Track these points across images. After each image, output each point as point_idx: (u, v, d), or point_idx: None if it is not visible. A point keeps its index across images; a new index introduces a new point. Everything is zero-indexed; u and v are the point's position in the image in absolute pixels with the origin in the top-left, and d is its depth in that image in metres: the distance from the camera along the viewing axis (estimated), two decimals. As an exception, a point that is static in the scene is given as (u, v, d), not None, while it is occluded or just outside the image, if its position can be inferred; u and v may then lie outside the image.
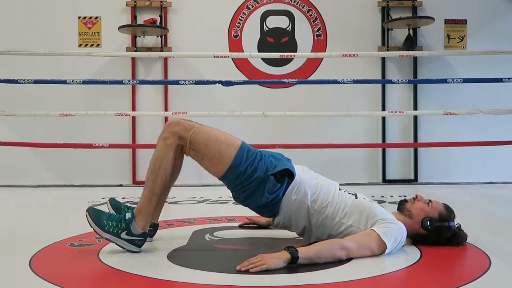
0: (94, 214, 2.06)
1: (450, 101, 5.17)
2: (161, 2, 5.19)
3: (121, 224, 2.06)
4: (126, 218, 2.08)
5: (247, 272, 1.84)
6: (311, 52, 5.30)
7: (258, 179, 2.14)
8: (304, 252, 1.94)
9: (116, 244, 2.09)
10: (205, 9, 5.30)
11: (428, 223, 2.20)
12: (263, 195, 2.16)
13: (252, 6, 5.34)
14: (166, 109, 5.19)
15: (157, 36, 5.21)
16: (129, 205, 2.47)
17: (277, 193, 2.17)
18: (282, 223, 2.26)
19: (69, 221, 3.06)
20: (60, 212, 3.56)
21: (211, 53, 4.65)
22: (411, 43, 5.11)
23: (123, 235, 2.07)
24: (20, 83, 4.39)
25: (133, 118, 5.20)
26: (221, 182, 2.25)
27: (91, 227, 2.05)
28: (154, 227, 2.33)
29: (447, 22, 5.33)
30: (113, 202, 2.45)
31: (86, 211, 2.08)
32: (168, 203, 3.53)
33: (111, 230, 2.05)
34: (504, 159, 5.22)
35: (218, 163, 2.15)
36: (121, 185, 5.15)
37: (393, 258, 2.06)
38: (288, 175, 2.18)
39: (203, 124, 2.21)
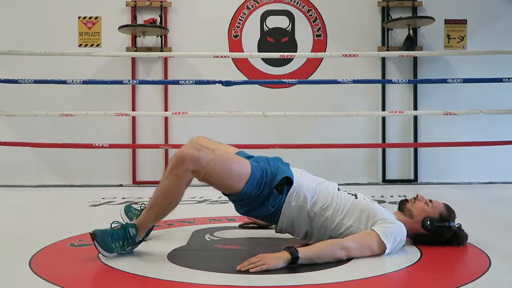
0: (101, 241, 2.02)
1: (450, 101, 5.16)
2: (161, 2, 5.19)
3: (128, 242, 2.08)
4: (131, 234, 2.08)
5: (247, 272, 1.84)
6: (311, 52, 5.30)
7: (263, 197, 2.16)
8: (304, 252, 1.94)
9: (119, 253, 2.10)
10: (205, 9, 5.30)
11: (429, 223, 2.20)
12: (266, 207, 2.17)
13: (252, 6, 5.34)
14: (166, 109, 5.19)
15: (157, 36, 5.21)
16: (136, 207, 2.50)
17: (279, 203, 2.18)
18: (285, 229, 2.26)
19: (69, 221, 3.07)
20: (60, 212, 3.55)
21: (211, 53, 4.66)
22: (411, 43, 5.10)
23: (129, 248, 2.10)
24: (20, 83, 4.39)
25: (133, 118, 5.19)
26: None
27: (101, 253, 2.03)
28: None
29: (447, 22, 5.33)
30: (127, 208, 2.50)
31: (93, 238, 2.02)
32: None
33: (119, 249, 2.06)
34: (504, 159, 5.21)
35: (227, 190, 2.18)
36: (121, 185, 5.15)
37: (393, 258, 2.06)
38: (287, 182, 2.18)
39: (216, 148, 2.19)
